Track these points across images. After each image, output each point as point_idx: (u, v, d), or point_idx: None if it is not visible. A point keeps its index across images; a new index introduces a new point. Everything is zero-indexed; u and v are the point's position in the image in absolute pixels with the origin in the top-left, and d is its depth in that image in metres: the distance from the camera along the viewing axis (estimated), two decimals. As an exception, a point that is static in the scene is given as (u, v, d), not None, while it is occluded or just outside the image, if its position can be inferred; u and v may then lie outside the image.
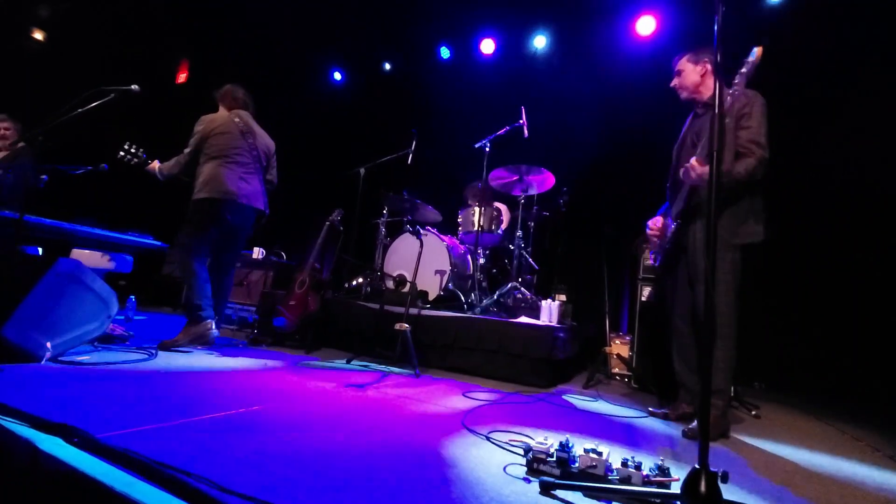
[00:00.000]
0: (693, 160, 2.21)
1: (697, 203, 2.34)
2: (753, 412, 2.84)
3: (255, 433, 1.47)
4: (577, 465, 1.34)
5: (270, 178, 3.53)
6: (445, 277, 4.19)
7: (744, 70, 1.92)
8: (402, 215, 4.64)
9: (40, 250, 3.84)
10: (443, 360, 3.30)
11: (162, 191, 4.08)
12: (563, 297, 3.95)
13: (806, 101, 4.43)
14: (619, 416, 2.43)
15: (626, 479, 1.28)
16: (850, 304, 4.14)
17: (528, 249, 4.51)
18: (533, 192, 4.42)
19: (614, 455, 1.39)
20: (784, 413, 3.11)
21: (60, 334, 2.15)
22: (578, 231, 4.88)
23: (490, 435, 1.73)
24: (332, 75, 7.23)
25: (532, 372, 3.05)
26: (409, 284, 3.56)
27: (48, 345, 2.07)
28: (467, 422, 1.90)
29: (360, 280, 4.63)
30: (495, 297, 3.95)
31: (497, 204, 4.61)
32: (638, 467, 1.29)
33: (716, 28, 1.39)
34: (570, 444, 1.40)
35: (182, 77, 7.88)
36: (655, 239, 2.62)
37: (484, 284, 4.35)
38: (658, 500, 1.25)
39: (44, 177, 3.92)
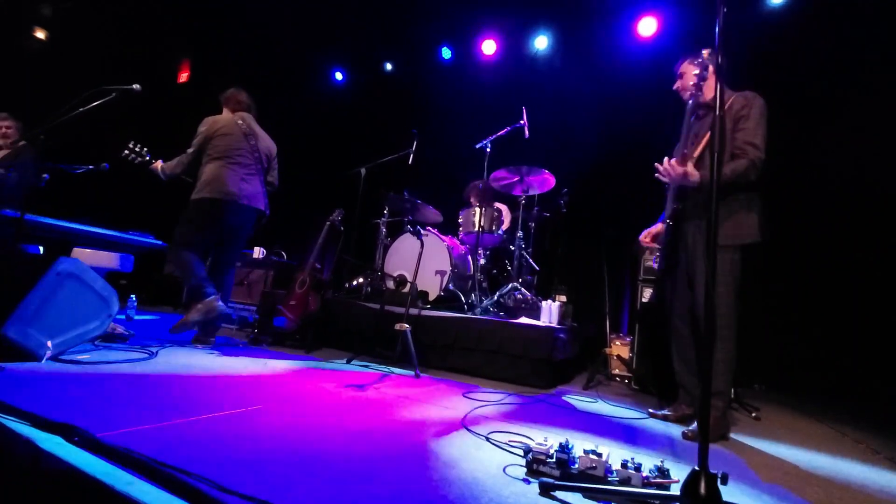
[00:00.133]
0: (671, 161, 2.25)
1: (691, 204, 2.35)
2: (753, 414, 2.84)
3: (254, 433, 1.47)
4: (576, 466, 1.34)
5: (271, 180, 3.56)
6: (446, 278, 4.20)
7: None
8: (403, 215, 4.65)
9: (41, 249, 3.85)
10: (443, 361, 3.31)
11: (163, 190, 4.08)
12: (564, 298, 3.95)
13: (806, 100, 4.44)
14: (618, 418, 2.43)
15: (625, 481, 1.28)
16: (851, 305, 4.14)
17: (529, 250, 4.50)
18: (533, 192, 4.43)
19: (614, 456, 1.39)
20: (784, 414, 3.11)
21: (61, 333, 2.15)
22: (579, 232, 4.89)
23: (490, 435, 1.73)
24: (334, 75, 7.23)
25: (532, 373, 3.05)
26: (409, 285, 3.56)
27: (49, 344, 2.07)
28: (467, 422, 1.90)
29: (361, 280, 4.63)
30: (495, 297, 3.95)
31: (498, 204, 4.62)
32: (638, 469, 1.29)
33: (717, 30, 1.38)
34: (569, 445, 1.40)
35: (183, 77, 7.89)
36: (651, 246, 2.65)
37: (484, 285, 4.35)
38: (658, 502, 1.25)
39: (45, 176, 3.93)
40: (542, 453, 1.38)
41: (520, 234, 4.26)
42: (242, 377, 2.30)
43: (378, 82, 6.95)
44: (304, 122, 7.32)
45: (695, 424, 2.18)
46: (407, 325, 2.94)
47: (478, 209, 4.28)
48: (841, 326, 4.14)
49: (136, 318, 4.22)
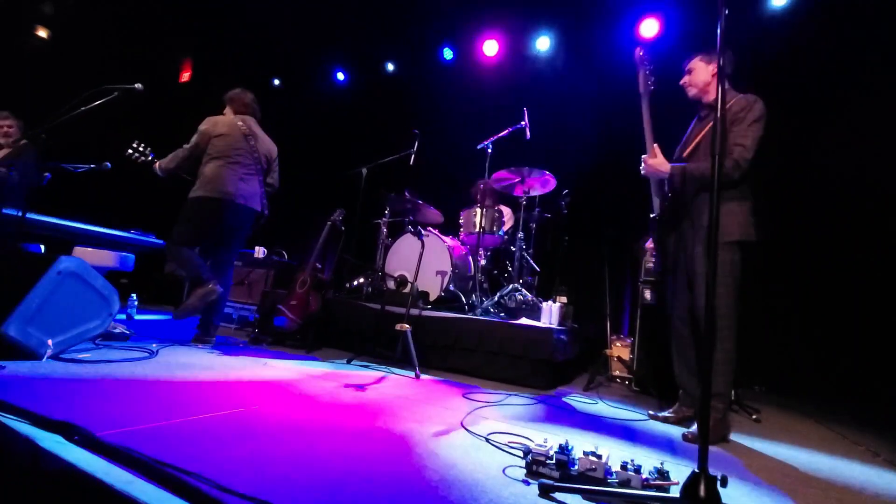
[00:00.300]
0: (645, 155, 2.41)
1: (680, 203, 2.37)
2: (754, 416, 2.84)
3: (254, 432, 1.47)
4: (576, 467, 1.34)
5: (271, 182, 3.58)
6: (446, 278, 4.20)
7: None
8: (404, 216, 4.65)
9: (43, 248, 3.86)
10: (443, 361, 3.31)
11: (164, 190, 4.08)
12: (564, 299, 3.95)
13: (806, 101, 4.44)
14: (618, 419, 2.43)
15: (625, 483, 1.28)
16: (851, 305, 4.14)
17: (530, 251, 4.50)
18: (535, 193, 4.43)
19: (614, 458, 1.38)
20: (784, 416, 3.11)
21: (61, 332, 2.16)
22: (580, 233, 4.88)
23: (489, 436, 1.73)
24: (335, 75, 7.24)
25: (532, 374, 3.05)
26: (410, 285, 3.56)
27: (49, 342, 2.07)
28: (467, 423, 1.90)
29: (362, 280, 4.63)
30: (496, 298, 3.95)
31: (502, 206, 4.63)
32: (637, 470, 1.29)
33: (719, 31, 1.39)
34: (569, 447, 1.40)
35: (185, 76, 7.90)
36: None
37: (485, 286, 4.35)
38: (657, 504, 1.25)
39: (47, 175, 3.94)
40: (541, 454, 1.37)
41: (521, 234, 4.26)
42: (242, 376, 2.30)
43: (379, 83, 6.95)
44: (305, 121, 7.33)
45: (695, 426, 2.18)
46: (407, 326, 2.94)
47: (479, 210, 4.28)
48: (842, 328, 4.13)
49: (137, 317, 4.23)
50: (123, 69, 6.56)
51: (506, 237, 4.51)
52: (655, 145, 2.41)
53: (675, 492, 1.17)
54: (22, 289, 2.04)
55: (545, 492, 1.26)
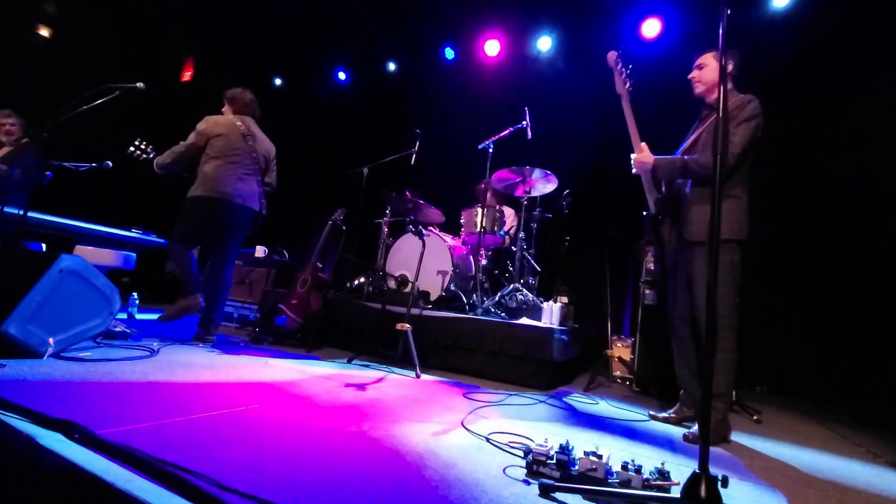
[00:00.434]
0: (633, 154, 2.49)
1: (678, 202, 2.39)
2: (755, 417, 2.83)
3: (254, 431, 1.47)
4: (576, 467, 1.34)
5: (270, 181, 3.59)
6: (447, 278, 4.19)
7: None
8: (405, 215, 4.65)
9: (44, 246, 3.86)
10: (444, 361, 3.30)
11: (166, 188, 4.09)
12: (565, 299, 3.94)
13: (807, 101, 4.44)
14: (619, 419, 2.43)
15: (626, 483, 1.28)
16: (853, 306, 4.13)
17: (531, 251, 4.50)
18: (536, 193, 4.42)
19: (614, 458, 1.38)
20: (785, 417, 3.10)
21: (62, 330, 2.16)
22: (581, 233, 4.87)
23: (490, 436, 1.73)
24: (337, 75, 7.24)
25: (533, 374, 3.05)
26: (411, 285, 3.56)
27: (50, 341, 2.07)
28: (467, 423, 1.90)
29: (362, 280, 4.63)
30: (497, 298, 3.95)
31: (504, 207, 4.63)
32: (638, 471, 1.29)
33: (721, 31, 1.38)
34: (570, 447, 1.39)
35: (187, 75, 7.91)
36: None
37: (486, 286, 4.34)
38: (658, 504, 1.24)
39: (48, 173, 3.94)
40: (542, 454, 1.37)
41: (522, 234, 4.25)
42: (243, 375, 2.30)
43: (381, 82, 6.95)
44: (306, 121, 7.33)
45: (696, 426, 2.18)
46: (408, 326, 2.94)
47: (480, 209, 4.28)
48: (843, 328, 4.13)
49: (138, 316, 4.22)
50: (125, 68, 6.57)
51: (506, 237, 4.50)
52: (643, 143, 2.46)
53: (675, 492, 1.16)
54: (23, 287, 2.04)
55: (546, 492, 1.26)
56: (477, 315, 3.62)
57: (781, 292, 4.35)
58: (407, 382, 2.68)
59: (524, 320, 3.47)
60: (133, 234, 4.32)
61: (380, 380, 2.65)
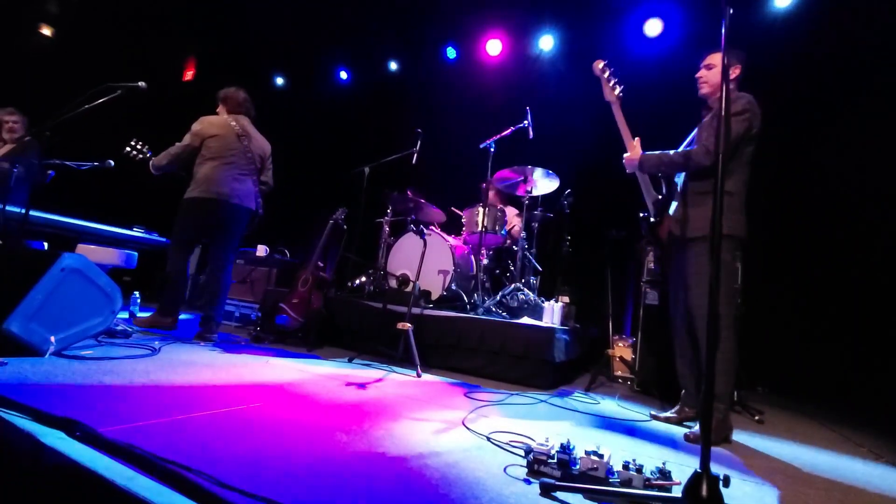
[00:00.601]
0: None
1: (669, 202, 2.40)
2: (756, 417, 2.83)
3: (255, 430, 1.47)
4: (578, 467, 1.34)
5: (266, 180, 3.61)
6: (448, 277, 4.19)
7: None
8: (406, 215, 4.65)
9: (46, 245, 3.87)
10: (445, 361, 3.30)
11: (167, 188, 4.09)
12: (567, 299, 3.94)
13: (807, 101, 4.43)
14: (620, 419, 2.42)
15: (627, 482, 1.28)
16: (854, 306, 4.12)
17: (532, 251, 4.50)
18: (537, 193, 4.42)
19: (616, 457, 1.38)
20: (786, 417, 3.10)
21: (64, 329, 2.16)
22: (582, 233, 4.87)
23: (491, 435, 1.72)
24: (339, 74, 7.24)
25: (534, 373, 3.05)
26: (412, 284, 3.55)
27: (52, 339, 2.08)
28: (468, 422, 1.90)
29: (363, 279, 4.63)
30: (498, 297, 3.95)
31: (508, 208, 4.62)
32: (639, 470, 1.29)
33: (723, 31, 1.38)
34: (571, 446, 1.39)
35: (188, 75, 7.92)
36: None
37: (487, 285, 4.34)
38: (659, 504, 1.24)
39: (50, 172, 3.95)
40: (543, 454, 1.37)
41: (523, 234, 4.25)
42: (244, 374, 2.31)
43: (382, 81, 6.95)
44: (308, 120, 7.34)
45: (697, 426, 2.18)
46: (409, 325, 2.94)
47: (481, 209, 4.28)
48: (844, 328, 4.12)
49: (140, 314, 4.23)
50: (127, 67, 6.57)
51: (507, 236, 4.49)
52: (635, 140, 2.52)
53: (677, 492, 1.16)
54: (25, 285, 2.04)
55: (546, 491, 1.26)
56: (478, 315, 3.62)
57: (783, 292, 4.34)
58: (408, 382, 2.68)
59: (525, 320, 3.47)
60: (135, 233, 4.33)
61: (381, 379, 2.65)
